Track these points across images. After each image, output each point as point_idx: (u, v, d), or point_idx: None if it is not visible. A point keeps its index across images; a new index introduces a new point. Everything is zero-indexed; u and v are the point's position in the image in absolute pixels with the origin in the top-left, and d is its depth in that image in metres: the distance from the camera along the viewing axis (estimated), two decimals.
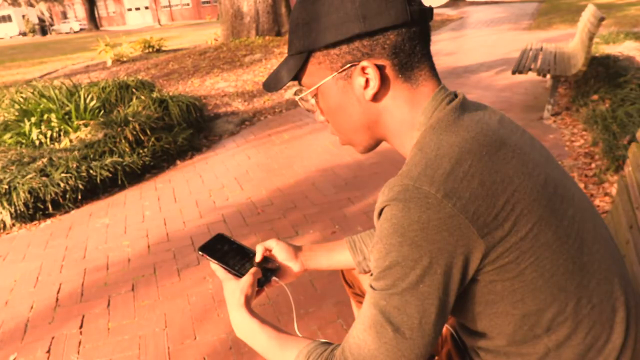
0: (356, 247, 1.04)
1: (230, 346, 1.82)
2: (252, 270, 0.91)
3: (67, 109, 4.46)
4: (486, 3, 20.77)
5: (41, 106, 4.46)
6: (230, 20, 9.99)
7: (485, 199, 0.60)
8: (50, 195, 3.16)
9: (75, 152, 3.60)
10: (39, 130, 4.24)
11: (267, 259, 1.01)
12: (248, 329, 0.83)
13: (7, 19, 44.33)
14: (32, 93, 4.75)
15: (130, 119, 4.05)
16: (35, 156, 3.55)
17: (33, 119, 4.33)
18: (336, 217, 2.76)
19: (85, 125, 4.20)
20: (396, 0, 0.66)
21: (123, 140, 3.85)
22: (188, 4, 50.00)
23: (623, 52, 5.63)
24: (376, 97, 0.71)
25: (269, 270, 0.97)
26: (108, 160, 3.57)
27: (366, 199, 2.96)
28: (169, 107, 4.56)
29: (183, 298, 2.16)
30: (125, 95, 4.97)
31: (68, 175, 3.29)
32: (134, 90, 5.08)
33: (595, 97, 3.97)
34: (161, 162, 3.99)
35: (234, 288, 0.88)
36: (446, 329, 0.97)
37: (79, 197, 3.32)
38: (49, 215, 3.20)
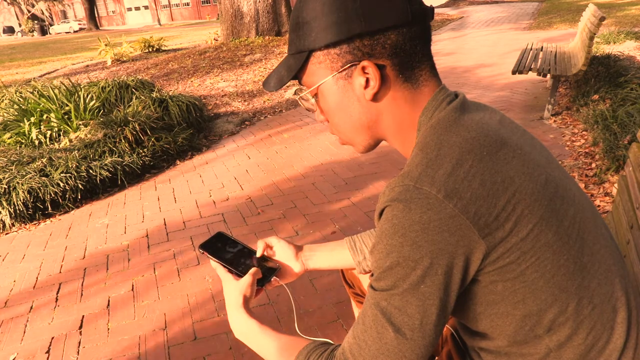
0: (356, 247, 1.03)
1: (230, 346, 1.82)
2: (252, 270, 0.91)
3: (67, 108, 4.46)
4: (486, 3, 20.77)
5: (41, 106, 4.46)
6: (230, 20, 9.98)
7: (486, 200, 0.60)
8: (50, 195, 3.16)
9: (75, 152, 3.59)
10: (38, 130, 4.24)
11: (267, 258, 1.01)
12: (246, 330, 0.83)
13: None
14: (32, 93, 4.75)
15: (130, 118, 4.05)
16: (34, 156, 3.54)
17: (32, 119, 4.33)
18: (336, 217, 2.76)
19: (85, 125, 4.20)
20: (397, 0, 0.66)
21: (123, 140, 3.85)
22: (188, 4, 50.02)
23: (623, 52, 5.63)
24: (376, 97, 0.71)
25: (269, 269, 0.97)
26: (108, 160, 3.57)
27: (366, 199, 2.96)
28: (169, 107, 4.56)
29: (183, 298, 2.16)
30: (125, 95, 4.97)
31: (68, 175, 3.29)
32: (133, 90, 5.08)
33: (595, 96, 3.97)
34: (161, 162, 3.99)
35: (233, 288, 0.87)
36: (447, 329, 0.97)
37: (79, 197, 3.32)
38: (49, 215, 3.20)
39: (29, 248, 2.80)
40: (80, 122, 4.27)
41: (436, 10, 18.05)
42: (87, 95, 4.69)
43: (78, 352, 1.89)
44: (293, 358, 0.75)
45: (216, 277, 2.27)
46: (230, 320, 0.86)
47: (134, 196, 3.40)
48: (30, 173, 3.22)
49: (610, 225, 1.37)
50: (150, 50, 11.35)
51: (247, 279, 0.88)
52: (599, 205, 2.52)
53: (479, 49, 8.29)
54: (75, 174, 3.32)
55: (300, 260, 1.02)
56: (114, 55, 10.10)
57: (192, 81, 7.26)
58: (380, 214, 0.65)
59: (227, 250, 0.97)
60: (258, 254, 0.98)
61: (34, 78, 8.96)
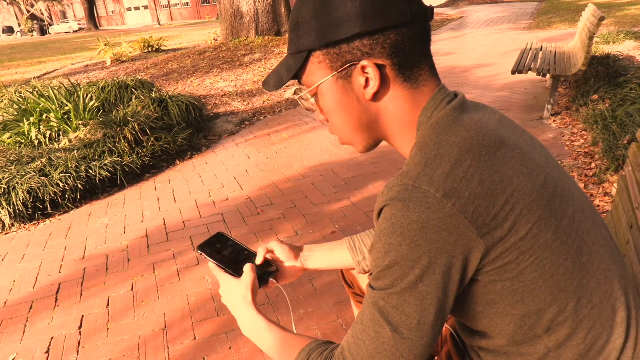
0: (356, 247, 1.03)
1: (230, 346, 1.82)
2: (248, 267, 0.90)
3: (67, 108, 4.46)
4: (486, 3, 20.77)
5: (40, 106, 4.46)
6: (230, 20, 9.98)
7: (484, 199, 0.60)
8: (50, 195, 3.15)
9: (75, 152, 3.59)
10: (38, 130, 4.23)
11: (267, 260, 1.00)
12: (255, 327, 0.83)
13: None
14: (31, 93, 4.75)
15: (130, 118, 4.04)
16: (34, 156, 3.54)
17: (32, 119, 4.32)
18: (336, 217, 2.76)
19: (85, 125, 4.20)
20: (396, 0, 0.66)
21: (122, 140, 3.85)
22: (187, 4, 50.01)
23: (623, 52, 5.63)
24: (376, 97, 0.71)
25: (267, 271, 0.97)
26: (107, 160, 3.56)
27: (366, 199, 2.96)
28: (169, 107, 4.56)
29: (183, 298, 2.15)
30: (124, 95, 4.97)
31: (67, 175, 3.28)
32: (133, 90, 5.08)
33: (595, 96, 3.97)
34: (160, 162, 3.99)
35: (237, 286, 0.87)
36: (446, 329, 0.97)
37: (78, 197, 3.32)
38: (48, 215, 3.20)
39: (28, 248, 2.80)
40: (80, 122, 4.27)
41: (436, 10, 18.05)
42: (87, 96, 4.69)
43: (78, 352, 1.89)
44: (295, 356, 0.75)
45: (216, 278, 2.27)
46: (239, 318, 0.85)
47: (133, 196, 3.40)
48: (30, 173, 3.22)
49: (610, 225, 1.37)
50: (150, 50, 11.34)
51: (250, 275, 0.88)
52: (598, 205, 2.52)
53: (479, 49, 8.29)
54: (75, 174, 3.32)
55: (300, 261, 1.02)
56: (114, 56, 10.10)
57: (191, 81, 7.26)
58: (379, 213, 0.65)
59: (226, 251, 0.96)
60: (258, 261, 0.96)
61: (34, 78, 8.96)
